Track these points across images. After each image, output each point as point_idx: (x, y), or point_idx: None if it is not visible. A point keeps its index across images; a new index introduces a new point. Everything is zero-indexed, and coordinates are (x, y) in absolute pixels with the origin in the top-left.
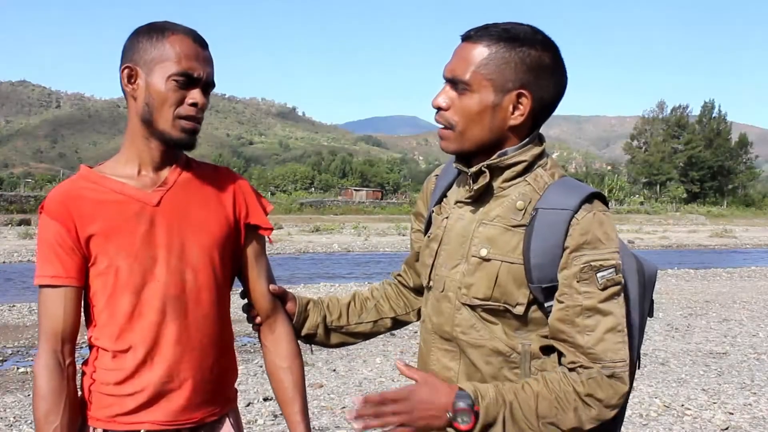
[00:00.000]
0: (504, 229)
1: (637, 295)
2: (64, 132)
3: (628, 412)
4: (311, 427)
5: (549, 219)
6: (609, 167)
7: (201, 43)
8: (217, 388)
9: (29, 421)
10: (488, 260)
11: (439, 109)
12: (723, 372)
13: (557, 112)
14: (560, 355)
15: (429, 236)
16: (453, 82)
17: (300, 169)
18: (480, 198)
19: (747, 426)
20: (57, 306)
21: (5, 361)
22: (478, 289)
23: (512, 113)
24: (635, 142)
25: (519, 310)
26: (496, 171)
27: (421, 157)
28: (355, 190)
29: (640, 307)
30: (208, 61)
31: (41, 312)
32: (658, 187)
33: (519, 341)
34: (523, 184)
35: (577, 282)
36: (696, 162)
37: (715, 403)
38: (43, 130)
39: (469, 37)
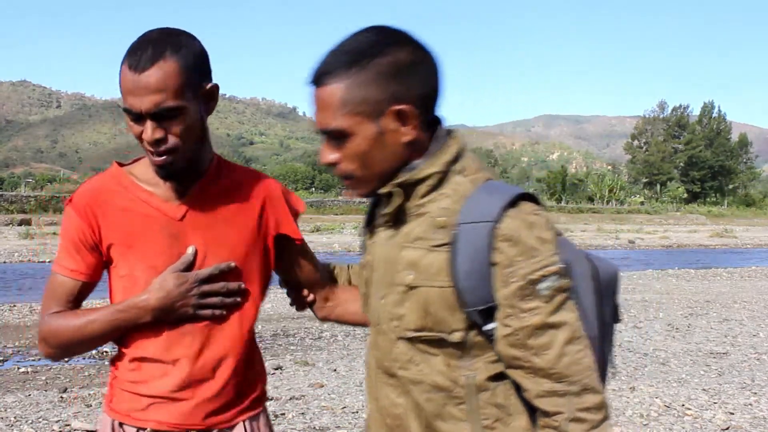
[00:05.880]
0: (426, 251)
1: (592, 303)
2: (65, 132)
3: (628, 412)
4: (312, 426)
5: (471, 235)
6: (609, 167)
7: (143, 67)
8: (232, 400)
9: (30, 421)
10: (414, 287)
11: (331, 164)
12: (723, 372)
13: (557, 111)
14: (520, 388)
15: (361, 263)
16: (327, 133)
17: (300, 169)
18: (400, 218)
19: (747, 426)
20: (68, 293)
21: (6, 361)
22: (410, 320)
23: (401, 130)
24: (636, 142)
25: (456, 336)
26: (408, 188)
27: None
28: None
29: (599, 315)
30: (150, 88)
31: (50, 289)
32: (658, 186)
33: (462, 373)
34: (442, 197)
35: (519, 300)
36: (696, 162)
37: (715, 403)
38: (44, 130)
39: (317, 80)
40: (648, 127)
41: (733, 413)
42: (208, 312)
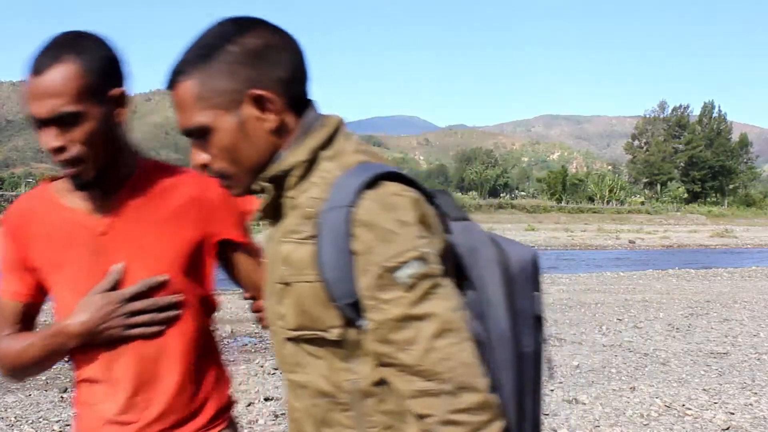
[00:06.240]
0: (297, 245)
1: (501, 293)
2: None
3: (628, 412)
4: None
5: (331, 222)
6: (610, 167)
7: (40, 70)
8: (184, 419)
9: (30, 421)
10: (289, 284)
11: (203, 166)
12: (724, 372)
13: (557, 111)
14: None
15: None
16: (190, 133)
17: None
18: (278, 213)
19: (748, 426)
20: (13, 315)
21: None
22: (289, 319)
23: (263, 117)
24: (636, 142)
25: (335, 333)
26: (279, 181)
27: (422, 157)
28: None
29: (508, 306)
30: (48, 92)
31: None
32: (659, 186)
33: (346, 377)
34: (311, 186)
35: (378, 291)
36: (697, 162)
37: (716, 403)
38: None
39: (171, 82)
40: (648, 127)
41: (733, 413)
42: (138, 331)
